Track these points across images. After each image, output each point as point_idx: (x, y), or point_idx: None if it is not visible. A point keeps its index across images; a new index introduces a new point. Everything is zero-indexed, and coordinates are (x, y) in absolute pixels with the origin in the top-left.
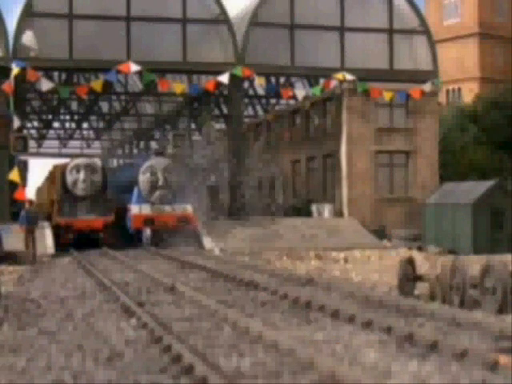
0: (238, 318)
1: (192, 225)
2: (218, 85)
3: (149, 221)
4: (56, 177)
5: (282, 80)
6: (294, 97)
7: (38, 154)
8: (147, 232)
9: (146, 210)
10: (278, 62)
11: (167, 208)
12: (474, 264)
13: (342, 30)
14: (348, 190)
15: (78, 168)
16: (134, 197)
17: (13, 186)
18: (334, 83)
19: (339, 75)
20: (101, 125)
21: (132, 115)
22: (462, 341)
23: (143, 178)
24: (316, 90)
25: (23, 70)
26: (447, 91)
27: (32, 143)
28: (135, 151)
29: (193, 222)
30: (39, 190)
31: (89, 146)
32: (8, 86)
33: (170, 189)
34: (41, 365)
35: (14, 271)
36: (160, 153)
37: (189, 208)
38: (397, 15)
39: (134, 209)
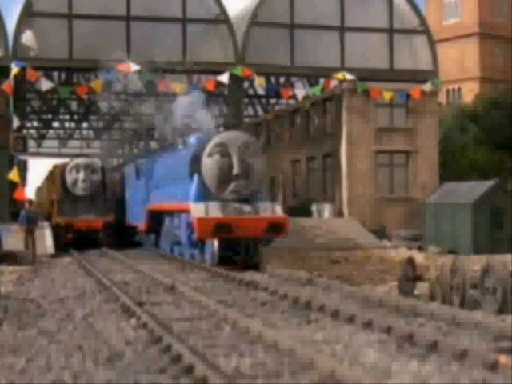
0: (237, 318)
1: (285, 234)
2: (218, 85)
3: (223, 228)
4: (56, 177)
5: (281, 80)
6: (293, 97)
7: (37, 154)
8: (214, 245)
9: (215, 211)
10: (278, 62)
11: (247, 208)
12: (474, 264)
13: (342, 29)
14: (348, 190)
15: (77, 168)
16: (192, 191)
17: (12, 185)
18: (333, 83)
19: (339, 75)
20: (100, 125)
21: (127, 116)
22: (462, 341)
23: (209, 163)
24: (316, 90)
25: (23, 69)
26: (447, 91)
27: (32, 143)
28: (135, 151)
29: (286, 230)
30: (39, 190)
31: (88, 146)
32: (8, 85)
33: (251, 179)
34: (40, 365)
35: (14, 271)
36: (233, 125)
37: (279, 209)
38: (397, 15)
39: (197, 209)
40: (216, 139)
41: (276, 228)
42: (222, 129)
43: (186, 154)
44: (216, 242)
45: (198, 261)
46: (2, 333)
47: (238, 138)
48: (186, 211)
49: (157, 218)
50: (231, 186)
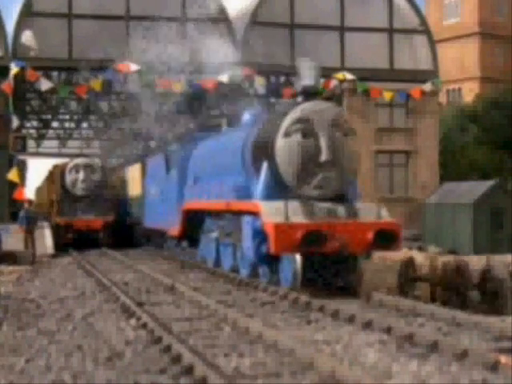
0: (237, 318)
1: (399, 247)
2: (218, 84)
3: (314, 239)
4: (55, 177)
5: (281, 80)
6: (294, 97)
7: (37, 154)
8: (297, 261)
9: (298, 213)
10: (277, 62)
11: (341, 210)
12: (474, 264)
13: (342, 29)
14: None
15: (77, 168)
16: (260, 184)
17: (12, 186)
18: (333, 83)
19: (339, 75)
20: (100, 124)
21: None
22: (463, 341)
23: (287, 145)
24: None
25: (22, 69)
26: (447, 91)
27: (31, 143)
28: (135, 151)
29: (400, 242)
30: (39, 190)
31: (88, 146)
32: (7, 85)
33: (344, 168)
34: (40, 365)
35: (14, 271)
36: (313, 94)
37: (385, 211)
38: (397, 15)
39: (270, 211)
40: (296, 112)
41: (386, 238)
42: (300, 98)
43: (244, 135)
44: (299, 258)
45: (267, 281)
46: (2, 333)
47: (326, 111)
48: (252, 213)
49: (196, 221)
50: (318, 179)
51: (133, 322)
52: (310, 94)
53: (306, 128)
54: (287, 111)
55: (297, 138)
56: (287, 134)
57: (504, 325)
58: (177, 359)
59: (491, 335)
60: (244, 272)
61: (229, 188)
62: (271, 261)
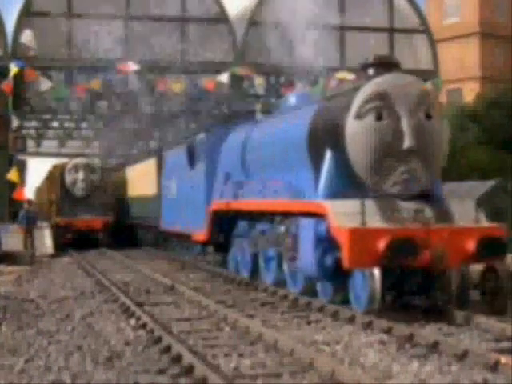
0: (237, 319)
1: (504, 257)
2: (218, 84)
3: (404, 249)
4: (55, 177)
5: (281, 80)
6: None
7: (36, 154)
8: (375, 277)
9: (374, 215)
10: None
11: (429, 212)
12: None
13: (342, 29)
14: None
15: (76, 168)
16: (322, 178)
17: (12, 186)
18: (334, 83)
19: (339, 75)
20: (100, 125)
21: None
22: (463, 341)
23: (360, 129)
24: (316, 90)
25: (22, 69)
26: (447, 91)
27: (31, 143)
28: (135, 151)
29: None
30: (38, 190)
31: (88, 146)
32: (7, 85)
33: (428, 158)
34: (40, 365)
35: (13, 271)
36: (389, 65)
37: (482, 213)
38: (397, 15)
39: (341, 212)
40: (371, 86)
41: (492, 248)
42: (371, 71)
43: (297, 117)
44: (378, 273)
45: (329, 300)
46: (1, 333)
47: (409, 86)
48: (313, 214)
49: (227, 223)
50: (399, 172)
51: (132, 322)
52: (385, 65)
53: (385, 106)
54: (359, 86)
55: (372, 119)
56: (360, 115)
57: (504, 325)
58: (177, 359)
59: (491, 335)
60: (294, 288)
61: (276, 184)
62: (338, 276)
